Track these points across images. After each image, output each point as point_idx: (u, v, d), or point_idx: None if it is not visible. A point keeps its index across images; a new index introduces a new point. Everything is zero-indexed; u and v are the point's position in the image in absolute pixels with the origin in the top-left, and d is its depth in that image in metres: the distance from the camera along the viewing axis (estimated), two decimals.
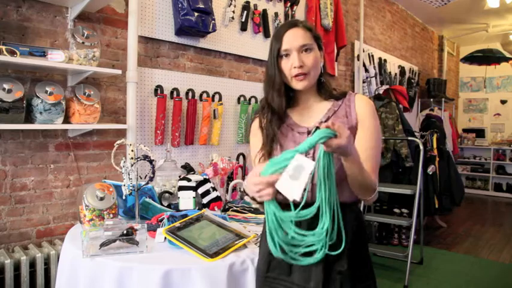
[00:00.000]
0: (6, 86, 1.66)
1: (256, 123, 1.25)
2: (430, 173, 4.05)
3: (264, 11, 3.11)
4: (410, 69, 5.82)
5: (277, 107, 1.17)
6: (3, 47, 1.64)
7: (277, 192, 0.99)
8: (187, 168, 2.28)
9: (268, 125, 1.18)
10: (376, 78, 4.71)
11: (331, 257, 1.09)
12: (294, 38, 1.13)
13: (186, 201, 1.76)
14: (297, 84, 1.15)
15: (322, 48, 1.21)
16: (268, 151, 1.17)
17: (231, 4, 2.81)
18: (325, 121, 1.15)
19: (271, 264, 1.16)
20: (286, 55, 1.14)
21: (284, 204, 1.18)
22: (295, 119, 1.20)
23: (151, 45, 2.45)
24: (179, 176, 1.94)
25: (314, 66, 1.14)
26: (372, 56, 4.74)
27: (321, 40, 1.20)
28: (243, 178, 2.35)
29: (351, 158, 0.99)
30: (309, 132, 1.15)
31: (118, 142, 1.70)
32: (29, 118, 1.80)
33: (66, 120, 1.91)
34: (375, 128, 1.16)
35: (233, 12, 2.81)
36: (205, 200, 1.87)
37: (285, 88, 1.18)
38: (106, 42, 2.23)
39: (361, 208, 3.44)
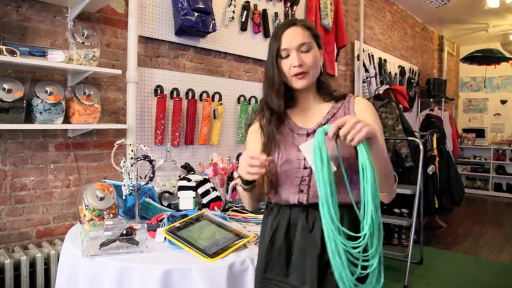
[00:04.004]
0: (6, 86, 1.66)
1: (254, 127, 1.24)
2: (430, 173, 4.05)
3: (264, 11, 3.11)
4: (410, 69, 5.82)
5: (277, 108, 1.16)
6: (3, 47, 1.64)
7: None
8: (187, 168, 2.28)
9: (268, 126, 1.17)
10: (376, 78, 4.71)
11: (326, 259, 1.09)
12: (292, 37, 1.12)
13: (186, 201, 1.75)
14: (297, 83, 1.14)
15: (322, 47, 1.20)
16: (268, 152, 1.16)
17: (231, 4, 2.81)
18: (325, 124, 1.15)
19: (269, 265, 1.16)
20: (286, 55, 1.13)
21: (285, 205, 1.18)
22: (295, 120, 1.19)
23: (151, 45, 2.45)
24: (179, 176, 1.94)
25: (314, 65, 1.13)
26: (372, 56, 4.74)
27: (320, 38, 1.19)
28: None
29: (376, 141, 0.98)
30: (308, 135, 1.15)
31: (118, 142, 1.70)
32: (29, 118, 1.80)
33: (66, 120, 1.91)
34: (377, 125, 1.14)
35: (233, 12, 2.81)
36: (205, 200, 1.87)
37: (285, 88, 1.17)
38: (106, 42, 2.23)
39: None
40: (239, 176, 1.10)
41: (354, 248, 0.96)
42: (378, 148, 1.00)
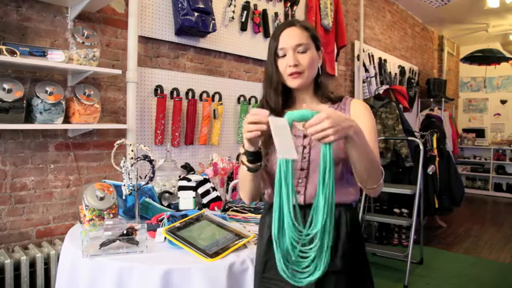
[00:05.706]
0: (6, 86, 1.66)
1: None
2: (430, 173, 4.05)
3: (264, 11, 3.11)
4: (410, 69, 5.82)
5: (274, 105, 1.18)
6: (3, 47, 1.64)
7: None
8: (187, 168, 2.28)
9: None
10: (376, 78, 4.71)
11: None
12: (289, 37, 1.14)
13: (186, 201, 1.75)
14: (292, 82, 1.16)
15: (321, 48, 1.21)
16: (267, 148, 1.16)
17: (231, 4, 2.81)
18: None
19: (267, 264, 1.17)
20: (283, 54, 1.15)
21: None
22: None
23: (151, 45, 2.45)
24: (179, 176, 1.94)
25: (309, 66, 1.15)
26: (372, 56, 4.74)
27: (319, 40, 1.20)
28: None
29: (353, 138, 0.95)
30: (305, 135, 1.15)
31: (118, 142, 1.70)
32: (29, 118, 1.80)
33: (66, 120, 1.92)
34: (371, 123, 1.15)
35: (233, 12, 2.81)
36: (205, 200, 1.87)
37: (283, 87, 1.19)
38: (106, 42, 2.23)
39: (361, 208, 3.44)
40: (244, 152, 1.07)
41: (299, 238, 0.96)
42: (356, 144, 0.97)
